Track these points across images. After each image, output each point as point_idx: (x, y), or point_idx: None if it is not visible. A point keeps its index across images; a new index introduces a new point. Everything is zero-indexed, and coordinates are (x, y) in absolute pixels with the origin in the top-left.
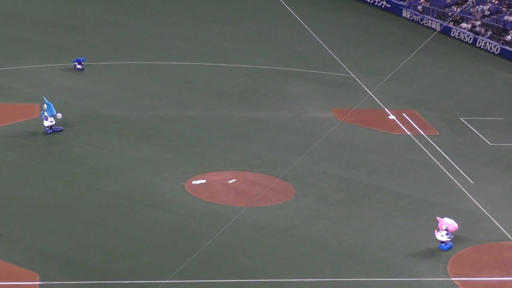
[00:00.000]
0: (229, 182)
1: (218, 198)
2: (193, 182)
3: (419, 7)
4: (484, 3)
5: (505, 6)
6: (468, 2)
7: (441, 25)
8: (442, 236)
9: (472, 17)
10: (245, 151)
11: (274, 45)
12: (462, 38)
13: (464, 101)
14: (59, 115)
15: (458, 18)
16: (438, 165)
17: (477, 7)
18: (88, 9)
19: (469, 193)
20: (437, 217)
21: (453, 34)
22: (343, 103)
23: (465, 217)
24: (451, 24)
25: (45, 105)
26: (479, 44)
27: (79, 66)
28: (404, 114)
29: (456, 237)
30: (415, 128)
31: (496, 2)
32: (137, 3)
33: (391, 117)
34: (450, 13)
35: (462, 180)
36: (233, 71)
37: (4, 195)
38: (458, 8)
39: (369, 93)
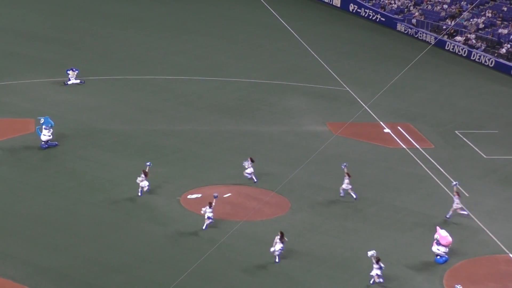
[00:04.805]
0: (225, 196)
1: (213, 212)
2: (188, 196)
3: (414, 21)
4: (479, 16)
5: (500, 19)
6: (462, 16)
7: (435, 38)
8: (438, 249)
9: (466, 30)
10: (240, 165)
11: (269, 59)
12: (456, 51)
13: (459, 114)
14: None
15: (452, 31)
16: (433, 178)
17: (472, 20)
18: (83, 24)
19: (464, 206)
20: (437, 226)
21: (447, 47)
22: (338, 117)
23: (461, 230)
24: (445, 38)
25: (41, 119)
26: (473, 57)
27: (78, 81)
28: (399, 127)
29: (451, 250)
30: (410, 141)
31: (491, 15)
32: (132, 17)
33: (386, 130)
34: (444, 27)
35: None
36: (228, 85)
37: None
38: (453, 22)
39: (364, 107)
